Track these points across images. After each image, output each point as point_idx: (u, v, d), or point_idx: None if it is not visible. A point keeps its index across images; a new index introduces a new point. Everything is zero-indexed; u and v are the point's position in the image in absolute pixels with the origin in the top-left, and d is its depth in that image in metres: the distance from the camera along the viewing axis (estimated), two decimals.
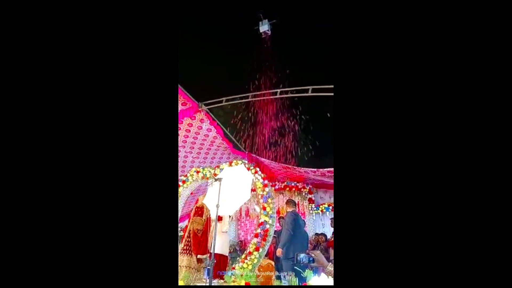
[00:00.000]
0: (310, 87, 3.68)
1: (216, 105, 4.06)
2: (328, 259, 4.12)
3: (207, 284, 2.32)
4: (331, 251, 4.15)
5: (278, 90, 3.90)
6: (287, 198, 4.70)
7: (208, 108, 4.06)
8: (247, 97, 4.00)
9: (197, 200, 3.89)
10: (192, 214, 3.63)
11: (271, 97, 3.97)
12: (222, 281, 2.65)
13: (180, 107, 3.85)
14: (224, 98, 4.02)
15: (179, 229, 4.23)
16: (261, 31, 5.10)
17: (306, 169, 4.93)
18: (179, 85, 3.59)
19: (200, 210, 3.58)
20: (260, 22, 5.12)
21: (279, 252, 3.16)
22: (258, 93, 4.00)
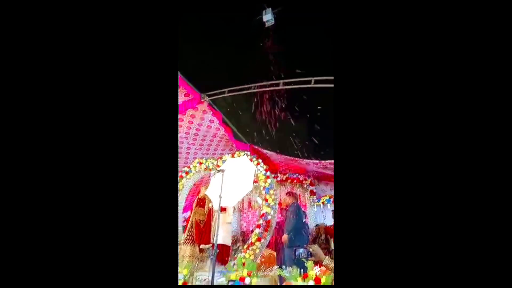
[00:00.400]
0: (313, 78, 3.64)
1: (218, 96, 4.04)
2: (328, 249, 4.16)
3: (210, 273, 2.37)
4: (332, 242, 4.20)
5: (281, 81, 3.86)
6: (288, 190, 4.72)
7: (210, 99, 4.05)
8: (249, 88, 3.96)
9: (199, 191, 3.92)
10: (194, 205, 3.67)
11: (274, 88, 3.93)
12: (225, 270, 2.70)
13: (183, 98, 3.83)
14: (226, 89, 3.99)
15: (182, 219, 4.30)
16: (264, 20, 4.99)
17: (308, 161, 4.94)
18: (182, 77, 3.57)
19: (201, 201, 3.62)
20: (264, 11, 5.01)
21: (284, 238, 3.23)
22: (260, 84, 3.96)
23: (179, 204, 4.06)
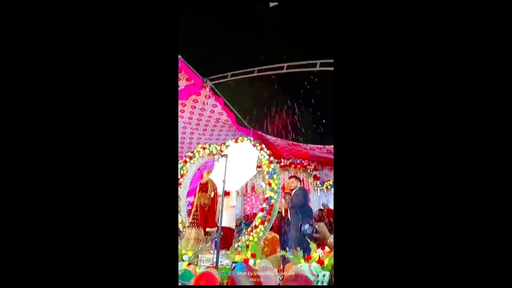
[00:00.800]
0: (319, 61, 3.54)
1: (221, 81, 3.97)
2: (331, 231, 4.23)
3: (214, 255, 2.42)
4: None
5: (285, 65, 3.76)
6: (291, 175, 4.75)
7: (213, 84, 3.98)
8: (252, 72, 3.88)
9: (202, 176, 3.95)
10: (197, 190, 3.71)
11: (278, 72, 3.84)
12: (228, 252, 2.76)
13: (185, 83, 3.79)
14: (229, 73, 3.91)
15: (187, 203, 4.37)
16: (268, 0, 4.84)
17: (312, 145, 4.91)
18: (184, 61, 3.50)
19: (204, 186, 3.66)
20: None
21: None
22: (264, 67, 3.87)
23: (183, 188, 4.10)
